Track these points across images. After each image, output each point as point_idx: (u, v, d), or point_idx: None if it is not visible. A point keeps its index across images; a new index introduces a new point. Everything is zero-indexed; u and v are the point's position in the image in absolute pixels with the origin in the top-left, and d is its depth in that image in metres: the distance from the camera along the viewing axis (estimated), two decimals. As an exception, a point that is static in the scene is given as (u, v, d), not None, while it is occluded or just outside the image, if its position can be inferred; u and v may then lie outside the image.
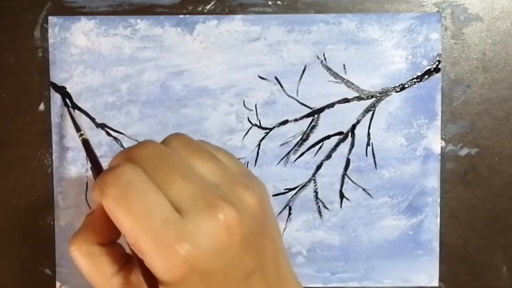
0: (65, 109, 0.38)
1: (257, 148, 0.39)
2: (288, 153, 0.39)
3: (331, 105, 0.39)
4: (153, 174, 0.24)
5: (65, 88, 0.39)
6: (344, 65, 0.39)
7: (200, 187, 0.25)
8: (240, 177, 0.27)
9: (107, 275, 0.26)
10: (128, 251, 0.27)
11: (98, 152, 0.39)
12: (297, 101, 0.39)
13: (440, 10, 0.39)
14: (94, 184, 0.25)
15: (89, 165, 0.32)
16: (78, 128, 0.35)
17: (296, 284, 0.29)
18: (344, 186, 0.39)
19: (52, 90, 0.39)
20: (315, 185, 0.39)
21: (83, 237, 0.26)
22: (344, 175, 0.39)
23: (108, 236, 0.27)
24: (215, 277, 0.24)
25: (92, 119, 0.39)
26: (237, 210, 0.24)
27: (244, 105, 0.39)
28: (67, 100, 0.38)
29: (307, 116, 0.39)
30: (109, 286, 0.26)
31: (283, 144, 0.39)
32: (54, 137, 0.39)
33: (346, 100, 0.39)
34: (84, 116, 0.39)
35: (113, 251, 0.27)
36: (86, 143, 0.34)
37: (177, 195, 0.24)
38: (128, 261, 0.27)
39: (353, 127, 0.39)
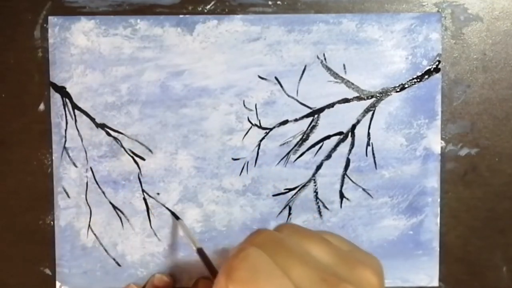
0: (69, 106, 0.39)
1: (257, 148, 0.39)
2: (288, 153, 0.39)
3: (331, 105, 0.39)
4: (274, 257, 0.24)
5: (65, 88, 0.39)
6: (344, 65, 0.39)
7: (320, 270, 0.25)
8: (354, 255, 0.27)
9: None
10: None
11: (98, 152, 0.39)
12: (297, 101, 0.39)
13: (440, 10, 0.39)
14: (220, 274, 0.25)
15: (206, 271, 0.33)
16: (193, 241, 0.36)
17: None
18: (344, 186, 0.39)
19: (52, 90, 0.39)
20: (315, 185, 0.39)
21: None
22: (344, 175, 0.39)
23: None
24: None
25: (92, 119, 0.39)
26: None
27: (244, 105, 0.39)
28: (67, 100, 0.38)
29: (307, 116, 0.39)
30: None
31: (283, 144, 0.39)
32: (54, 137, 0.39)
33: (346, 100, 0.39)
34: (84, 116, 0.39)
35: None
36: (201, 252, 0.34)
37: (299, 279, 0.24)
38: None
39: (353, 127, 0.39)
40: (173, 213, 0.39)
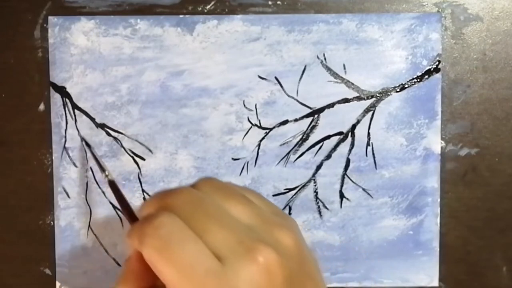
0: (69, 108, 0.38)
1: (257, 148, 0.39)
2: (288, 153, 0.39)
3: (331, 105, 0.39)
4: (190, 222, 0.25)
5: (65, 88, 0.39)
6: (344, 65, 0.39)
7: (237, 232, 0.25)
8: (273, 217, 0.27)
9: None
10: None
11: (98, 152, 0.39)
12: (297, 101, 0.39)
13: (440, 10, 0.39)
14: (130, 231, 0.25)
15: (118, 205, 0.32)
16: (102, 169, 0.35)
17: None
18: (344, 186, 0.39)
19: (52, 90, 0.39)
20: (315, 185, 0.39)
21: (124, 283, 0.27)
22: (344, 175, 0.39)
23: (148, 280, 0.27)
24: None
25: (92, 119, 0.39)
26: (276, 252, 0.25)
27: (244, 105, 0.39)
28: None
29: (307, 116, 0.39)
30: None
31: (283, 144, 0.39)
32: (54, 137, 0.39)
33: (346, 100, 0.39)
34: (84, 116, 0.39)
35: None
36: (112, 184, 0.33)
37: (215, 243, 0.24)
38: None
39: (353, 127, 0.39)
40: (84, 140, 0.38)
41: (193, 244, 0.24)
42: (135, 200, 0.39)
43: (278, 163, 0.39)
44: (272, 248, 0.25)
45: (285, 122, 0.39)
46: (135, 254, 0.27)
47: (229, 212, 0.26)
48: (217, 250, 0.24)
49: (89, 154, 0.39)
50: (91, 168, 0.39)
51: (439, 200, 0.39)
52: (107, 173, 0.32)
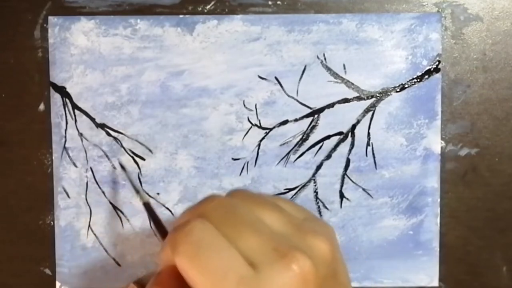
0: (69, 106, 0.39)
1: (257, 148, 0.39)
2: (288, 153, 0.39)
3: (331, 105, 0.39)
4: (222, 227, 0.24)
5: (65, 88, 0.39)
6: (344, 65, 0.39)
7: (270, 239, 0.24)
8: (307, 223, 0.27)
9: None
10: None
11: (98, 152, 0.39)
12: (297, 101, 0.39)
13: (440, 10, 0.39)
14: (164, 243, 0.25)
15: (153, 226, 0.32)
16: (137, 191, 0.35)
17: None
18: (344, 186, 0.39)
19: (52, 90, 0.39)
20: (315, 185, 0.39)
21: None
22: (344, 175, 0.39)
23: None
24: None
25: (92, 119, 0.39)
26: (311, 259, 0.24)
27: (244, 105, 0.39)
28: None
29: (307, 116, 0.39)
30: None
31: (283, 144, 0.39)
32: (54, 137, 0.39)
33: (346, 100, 0.39)
34: (84, 116, 0.39)
35: None
36: (147, 206, 0.33)
37: (248, 249, 0.24)
38: None
39: (353, 127, 0.39)
40: (120, 165, 0.38)
41: (226, 250, 0.24)
42: (134, 201, 0.39)
43: (278, 163, 0.39)
44: (307, 256, 0.24)
45: (285, 122, 0.39)
46: (167, 268, 0.26)
47: (262, 219, 0.26)
48: (250, 257, 0.24)
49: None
50: (91, 168, 0.39)
51: (439, 200, 0.39)
52: (142, 195, 0.33)
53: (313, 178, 0.39)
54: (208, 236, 0.24)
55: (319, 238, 0.26)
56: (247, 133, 0.39)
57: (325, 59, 0.39)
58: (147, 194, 0.39)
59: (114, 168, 0.39)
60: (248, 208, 0.26)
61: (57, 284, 0.39)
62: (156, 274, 0.27)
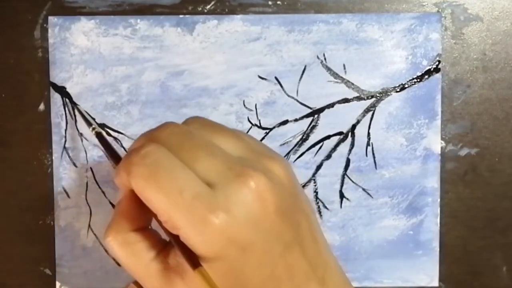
0: (69, 108, 0.38)
1: (257, 148, 0.39)
2: (288, 153, 0.39)
3: (331, 105, 0.39)
4: (178, 152, 0.24)
5: (65, 88, 0.39)
6: (344, 65, 0.39)
7: (226, 160, 0.25)
8: (264, 150, 0.27)
9: (145, 261, 0.26)
10: (164, 236, 0.27)
11: (98, 152, 0.39)
12: (297, 101, 0.39)
13: (440, 10, 0.39)
14: (118, 168, 0.25)
15: (107, 157, 0.32)
16: (89, 123, 0.35)
17: (336, 262, 0.28)
18: (344, 186, 0.39)
19: (52, 90, 0.39)
20: (315, 185, 0.39)
21: (117, 226, 0.26)
22: (344, 175, 0.39)
23: (140, 221, 0.27)
24: (254, 250, 0.24)
25: (92, 119, 0.39)
26: (268, 178, 0.24)
27: (244, 105, 0.39)
28: (66, 99, 0.38)
29: (307, 116, 0.39)
30: (148, 272, 0.26)
31: (283, 144, 0.39)
32: (54, 137, 0.39)
33: (346, 100, 0.39)
34: (83, 120, 0.39)
35: (148, 237, 0.27)
36: (100, 136, 0.33)
37: (204, 171, 0.24)
38: (164, 246, 0.27)
39: (353, 127, 0.39)
40: (71, 101, 0.38)
41: (181, 170, 0.24)
42: (135, 200, 0.39)
43: (278, 163, 0.39)
44: (264, 174, 0.24)
45: (285, 122, 0.39)
46: (125, 194, 0.26)
47: (218, 144, 0.26)
48: (206, 177, 0.24)
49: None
50: (91, 168, 0.39)
51: (439, 200, 0.39)
52: (93, 126, 0.33)
53: (313, 178, 0.39)
54: (163, 158, 0.24)
55: (276, 162, 0.26)
56: (247, 133, 0.39)
57: (325, 59, 0.39)
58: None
59: (115, 168, 0.39)
60: (203, 133, 0.26)
61: (57, 284, 0.39)
62: (116, 203, 0.27)
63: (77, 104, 0.38)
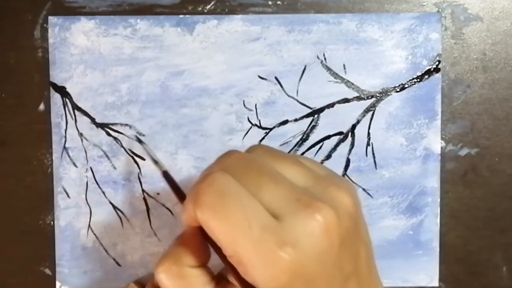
0: (69, 108, 0.39)
1: (257, 148, 0.39)
2: (288, 153, 0.39)
3: (331, 105, 0.39)
4: (244, 181, 0.24)
5: (65, 88, 0.39)
6: (344, 65, 0.39)
7: (292, 190, 0.24)
8: (330, 177, 0.26)
9: None
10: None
11: (98, 152, 0.39)
12: (297, 101, 0.39)
13: (440, 10, 0.39)
14: (186, 201, 0.24)
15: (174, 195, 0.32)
16: (156, 162, 0.35)
17: None
18: (344, 186, 0.39)
19: (52, 90, 0.39)
20: (315, 185, 0.39)
21: (173, 258, 0.25)
22: (344, 175, 0.39)
23: (199, 257, 0.26)
24: (317, 282, 0.23)
25: (92, 119, 0.39)
26: (335, 210, 0.24)
27: (244, 105, 0.39)
28: (66, 99, 0.38)
29: (307, 116, 0.39)
30: None
31: (283, 144, 0.39)
32: (54, 137, 0.39)
33: (346, 100, 0.39)
34: (84, 116, 0.39)
35: (204, 273, 0.26)
36: (166, 174, 0.33)
37: (270, 200, 0.23)
38: (218, 282, 0.26)
39: (353, 127, 0.39)
40: (137, 138, 0.38)
41: (248, 200, 0.23)
42: (134, 200, 0.39)
43: (278, 163, 0.39)
44: (331, 206, 0.23)
45: (285, 122, 0.39)
46: (189, 229, 0.25)
47: (283, 172, 0.25)
48: (273, 208, 0.23)
49: (90, 154, 0.39)
50: (91, 168, 0.39)
51: (439, 200, 0.39)
52: (160, 164, 0.33)
53: (313, 178, 0.39)
54: (230, 186, 0.23)
55: (342, 191, 0.25)
56: (247, 133, 0.39)
57: (325, 59, 0.39)
58: (147, 194, 0.39)
59: (115, 168, 0.39)
60: (268, 161, 0.25)
61: (57, 284, 0.39)
62: (180, 234, 0.26)
63: (143, 142, 0.37)
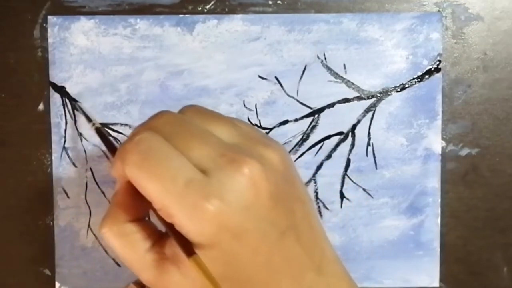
0: (68, 108, 0.38)
1: (257, 148, 0.39)
2: (288, 153, 0.39)
3: (332, 105, 0.39)
4: (172, 140, 0.24)
5: (65, 88, 0.39)
6: (344, 65, 0.39)
7: (220, 146, 0.25)
8: (259, 137, 0.27)
9: (141, 252, 0.26)
10: (160, 228, 0.27)
11: (98, 152, 0.39)
12: (297, 101, 0.39)
13: (440, 9, 0.39)
14: (115, 158, 0.25)
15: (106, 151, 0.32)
16: (89, 119, 0.35)
17: (333, 251, 0.28)
18: (345, 186, 0.39)
19: (51, 90, 0.39)
20: (315, 185, 0.39)
21: (113, 216, 0.26)
22: (344, 175, 0.39)
23: (136, 211, 0.27)
24: (248, 237, 0.24)
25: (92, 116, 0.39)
26: (261, 165, 0.24)
27: (244, 105, 0.39)
28: (66, 99, 0.38)
29: (307, 116, 0.39)
30: (144, 263, 0.26)
31: (283, 144, 0.39)
32: (54, 137, 0.39)
33: (346, 100, 0.39)
34: (83, 117, 0.39)
35: (144, 228, 0.27)
36: (99, 131, 0.34)
37: (198, 158, 0.24)
38: (160, 236, 0.27)
39: (354, 127, 0.39)
40: (72, 98, 0.38)
41: (174, 157, 0.24)
42: (135, 200, 0.39)
43: (278, 163, 0.39)
44: (257, 161, 0.24)
45: (285, 122, 0.39)
46: (121, 185, 0.26)
47: (212, 131, 0.26)
48: (200, 164, 0.24)
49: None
50: (90, 168, 0.39)
51: (439, 200, 0.39)
52: (93, 121, 0.34)
53: (313, 178, 0.39)
54: (157, 144, 0.24)
55: (270, 149, 0.26)
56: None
57: (325, 59, 0.39)
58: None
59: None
60: (198, 121, 0.26)
61: (57, 284, 0.39)
62: (114, 192, 0.27)
63: (77, 101, 0.38)
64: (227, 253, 0.24)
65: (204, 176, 0.24)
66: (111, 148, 0.31)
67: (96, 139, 0.39)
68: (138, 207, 0.27)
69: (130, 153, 0.24)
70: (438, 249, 0.39)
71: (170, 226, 0.24)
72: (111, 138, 0.33)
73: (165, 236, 0.27)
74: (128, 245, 0.26)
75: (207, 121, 0.26)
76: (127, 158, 0.24)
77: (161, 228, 0.27)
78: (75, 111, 0.38)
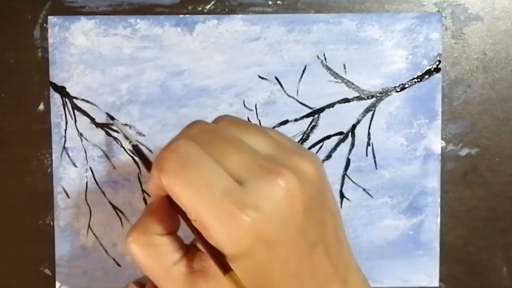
0: (68, 108, 0.38)
1: (257, 148, 0.39)
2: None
3: (331, 105, 0.39)
4: (207, 148, 0.24)
5: (65, 88, 0.39)
6: (344, 65, 0.39)
7: (256, 156, 0.24)
8: (294, 148, 0.27)
9: (168, 264, 0.26)
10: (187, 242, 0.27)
11: (98, 152, 0.39)
12: (297, 101, 0.39)
13: (440, 9, 0.39)
14: (152, 169, 0.25)
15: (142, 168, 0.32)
16: (126, 137, 0.36)
17: (356, 263, 0.28)
18: (344, 186, 0.39)
19: (52, 90, 0.39)
20: (315, 185, 0.39)
21: (143, 227, 0.26)
22: (344, 175, 0.39)
23: (167, 226, 0.26)
24: (281, 248, 0.24)
25: (92, 119, 0.39)
26: (297, 176, 0.24)
27: (244, 105, 0.39)
28: (66, 99, 0.38)
29: (307, 116, 0.39)
30: (170, 275, 0.26)
31: (283, 144, 0.39)
32: (54, 137, 0.39)
33: (346, 100, 0.39)
34: (83, 116, 0.39)
35: (173, 241, 0.26)
36: (137, 148, 0.34)
37: (234, 167, 0.24)
38: (187, 250, 0.27)
39: (353, 127, 0.39)
40: (108, 114, 0.38)
41: (210, 165, 0.23)
42: (134, 201, 0.39)
43: (278, 163, 0.39)
44: (293, 173, 0.24)
45: (285, 122, 0.39)
46: (157, 198, 0.26)
47: (247, 141, 0.25)
48: (235, 174, 0.24)
49: (90, 150, 0.39)
50: (91, 168, 0.39)
51: (439, 200, 0.39)
52: (130, 140, 0.34)
53: (313, 178, 0.39)
54: (193, 152, 0.24)
55: (305, 160, 0.25)
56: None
57: (325, 59, 0.39)
58: (147, 194, 0.39)
59: (114, 168, 0.39)
60: (233, 131, 0.26)
61: (57, 284, 0.39)
62: (148, 204, 0.26)
63: (114, 119, 0.38)
64: (259, 264, 0.24)
65: (239, 186, 0.23)
66: (148, 164, 0.31)
67: (96, 139, 0.39)
68: (170, 222, 0.26)
69: (166, 160, 0.24)
70: (438, 249, 0.39)
71: (203, 239, 0.24)
72: (146, 154, 0.33)
73: (192, 250, 0.26)
74: (155, 256, 0.26)
75: (241, 130, 0.26)
76: (164, 165, 0.24)
77: (188, 241, 0.27)
78: (113, 126, 0.38)
